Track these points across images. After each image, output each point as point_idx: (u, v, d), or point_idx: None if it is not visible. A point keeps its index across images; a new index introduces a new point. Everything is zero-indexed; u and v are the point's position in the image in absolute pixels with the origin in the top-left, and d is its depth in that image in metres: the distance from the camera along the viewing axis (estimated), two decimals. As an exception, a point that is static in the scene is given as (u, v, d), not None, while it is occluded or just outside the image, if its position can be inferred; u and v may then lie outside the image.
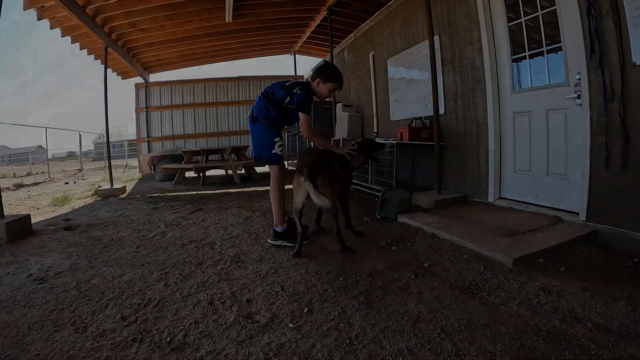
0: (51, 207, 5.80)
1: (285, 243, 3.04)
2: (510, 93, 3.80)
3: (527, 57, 3.62)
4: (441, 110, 4.47)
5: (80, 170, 16.33)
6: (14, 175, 14.96)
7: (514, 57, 3.76)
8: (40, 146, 35.41)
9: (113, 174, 11.42)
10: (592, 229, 2.84)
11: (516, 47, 3.74)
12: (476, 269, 2.34)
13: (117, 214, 4.77)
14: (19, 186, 10.05)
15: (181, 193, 6.69)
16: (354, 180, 5.76)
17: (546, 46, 3.39)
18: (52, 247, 3.32)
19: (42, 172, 15.26)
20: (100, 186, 7.61)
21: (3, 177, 14.15)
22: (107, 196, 6.64)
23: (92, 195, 6.93)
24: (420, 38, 5.05)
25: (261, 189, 6.46)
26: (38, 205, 6.15)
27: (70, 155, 29.65)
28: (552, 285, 2.08)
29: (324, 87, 3.07)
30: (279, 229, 3.07)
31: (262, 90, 3.14)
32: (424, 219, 3.46)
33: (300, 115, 3.00)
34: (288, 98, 2.99)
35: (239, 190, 6.70)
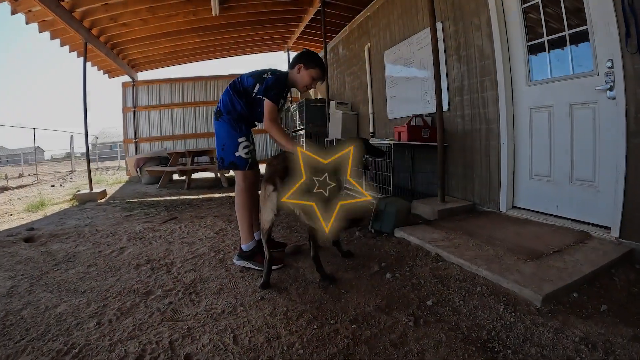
0: (25, 213, 5.47)
1: (250, 265, 2.53)
2: (526, 85, 3.27)
3: (546, 42, 3.07)
4: (445, 107, 3.94)
5: (72, 172, 15.86)
6: (5, 177, 14.57)
7: (529, 43, 3.22)
8: (38, 147, 35.12)
9: (103, 176, 10.99)
10: (628, 249, 2.33)
11: (532, 31, 3.21)
12: (495, 309, 1.80)
13: (85, 223, 4.37)
14: (3, 189, 9.70)
15: (162, 198, 6.26)
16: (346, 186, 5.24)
17: (569, 29, 2.85)
18: (1, 263, 2.93)
19: (35, 174, 14.89)
20: (79, 190, 7.18)
21: (-5, 179, 13.74)
22: (84, 201, 6.24)
23: (71, 200, 6.52)
24: (421, 26, 4.52)
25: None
26: (13, 210, 5.82)
27: (69, 156, 29.23)
28: (595, 334, 1.55)
29: (305, 74, 2.58)
30: (244, 247, 2.57)
31: (229, 85, 2.64)
32: (426, 234, 2.92)
33: (265, 102, 2.45)
34: (257, 86, 2.51)
35: (224, 195, 6.20)
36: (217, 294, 2.15)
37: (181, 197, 6.17)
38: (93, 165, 22.26)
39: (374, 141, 4.59)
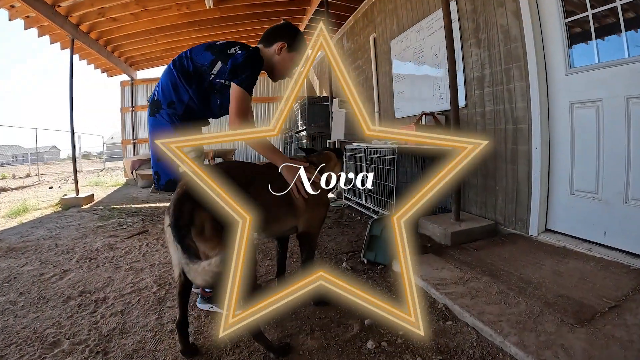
0: (4, 219, 5.14)
1: (215, 309, 1.93)
2: (565, 74, 2.55)
3: (590, 17, 2.35)
4: (461, 102, 3.25)
5: (79, 172, 15.65)
6: (13, 177, 14.50)
7: (568, 19, 2.50)
8: (54, 146, 35.63)
9: (105, 177, 10.64)
10: None
11: (571, 3, 2.50)
12: None
13: (51, 234, 3.97)
14: (2, 190, 9.47)
15: (147, 205, 5.79)
16: (346, 195, 4.56)
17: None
18: None
19: (42, 174, 14.76)
20: (65, 194, 6.77)
21: (3, 179, 13.61)
22: (68, 206, 5.84)
23: (57, 204, 6.12)
24: (432, 7, 3.83)
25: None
26: None
27: (85, 156, 29.52)
28: None
29: (287, 58, 1.90)
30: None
31: (173, 60, 1.90)
32: (433, 271, 2.20)
33: (232, 88, 1.73)
34: (219, 64, 1.78)
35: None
36: (127, 358, 1.54)
37: (167, 204, 5.64)
38: (110, 165, 22.27)
39: (377, 144, 3.92)
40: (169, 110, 1.83)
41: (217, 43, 1.85)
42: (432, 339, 1.58)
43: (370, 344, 1.55)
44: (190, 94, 1.83)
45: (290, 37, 1.89)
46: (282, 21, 1.99)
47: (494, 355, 1.45)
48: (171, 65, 1.86)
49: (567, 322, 1.54)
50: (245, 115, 1.73)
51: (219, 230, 1.33)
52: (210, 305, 1.95)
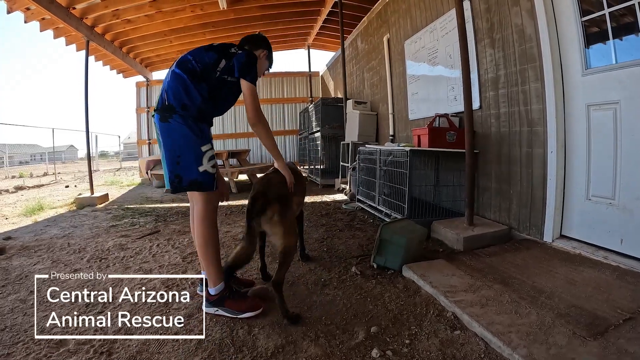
0: (20, 217, 5.27)
1: (221, 312, 1.92)
2: (581, 74, 2.47)
3: (607, 15, 2.27)
4: (475, 104, 3.19)
5: (95, 171, 15.94)
6: (30, 175, 14.84)
7: (584, 18, 2.43)
8: (72, 145, 36.38)
9: (121, 177, 10.82)
10: None
11: (587, 3, 2.42)
12: None
13: (65, 233, 4.03)
14: (18, 188, 9.72)
15: (160, 205, 5.83)
16: (359, 198, 4.53)
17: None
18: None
19: (59, 173, 15.07)
20: (80, 194, 6.89)
21: (20, 177, 13.94)
22: (83, 206, 5.94)
23: (72, 203, 6.24)
24: (445, 7, 3.78)
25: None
26: (10, 214, 5.61)
27: (102, 156, 30.05)
28: None
29: (264, 63, 2.20)
30: (212, 290, 1.94)
31: (174, 64, 1.96)
32: (443, 277, 2.16)
33: (244, 85, 1.95)
34: (223, 62, 1.93)
35: (224, 204, 5.66)
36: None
37: (181, 205, 5.71)
38: (127, 164, 22.60)
39: (389, 146, 3.87)
40: (182, 112, 1.85)
41: (215, 44, 2.02)
42: (439, 348, 1.54)
43: (375, 353, 1.52)
44: (202, 93, 1.89)
45: (269, 47, 2.21)
46: (259, 33, 2.29)
47: (504, 367, 1.40)
48: (176, 70, 1.90)
49: (579, 335, 1.49)
50: (260, 109, 1.99)
51: (282, 217, 1.90)
52: (216, 309, 1.93)
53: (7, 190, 9.14)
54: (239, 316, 1.90)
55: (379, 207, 3.85)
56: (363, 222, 3.91)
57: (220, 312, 1.93)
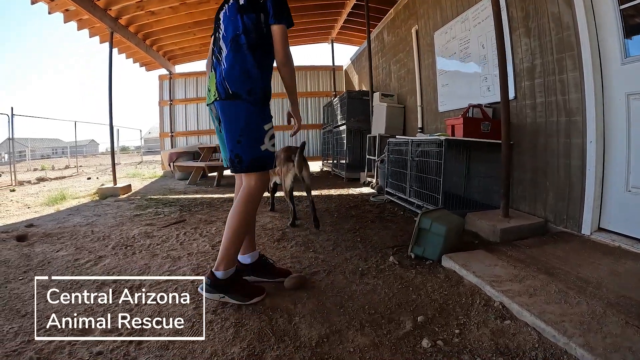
0: (42, 206, 5.36)
1: (228, 299, 1.83)
2: (621, 63, 2.37)
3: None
4: (510, 94, 3.08)
5: (117, 164, 16.24)
6: (52, 168, 15.18)
7: (623, 6, 2.32)
8: (93, 140, 37.06)
9: (143, 169, 10.95)
10: None
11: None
12: None
13: (88, 221, 4.03)
14: (40, 180, 9.95)
15: (184, 196, 5.84)
16: (388, 190, 4.46)
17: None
18: (-30, 263, 2.57)
19: (81, 166, 15.37)
20: (103, 184, 6.98)
21: (42, 170, 14.26)
22: (105, 196, 5.98)
23: (94, 194, 6.29)
24: (478, -4, 3.68)
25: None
26: (32, 204, 5.71)
27: (124, 150, 30.51)
28: None
29: None
30: (220, 274, 1.83)
31: (220, 12, 1.96)
32: (485, 267, 2.09)
33: (280, 30, 1.84)
34: (262, 16, 1.85)
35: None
36: (161, 349, 1.50)
37: (205, 196, 5.73)
38: (148, 158, 22.89)
39: (421, 136, 3.80)
40: (249, 97, 1.82)
41: (231, 4, 1.90)
42: (491, 338, 1.48)
43: (425, 343, 1.46)
44: (266, 70, 1.91)
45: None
46: None
47: (558, 358, 1.34)
48: (243, 38, 1.84)
49: (632, 324, 1.42)
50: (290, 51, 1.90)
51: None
52: (222, 295, 1.83)
53: (29, 182, 9.38)
54: (246, 303, 1.82)
55: (410, 199, 3.78)
56: (393, 214, 3.86)
57: (227, 298, 1.83)
